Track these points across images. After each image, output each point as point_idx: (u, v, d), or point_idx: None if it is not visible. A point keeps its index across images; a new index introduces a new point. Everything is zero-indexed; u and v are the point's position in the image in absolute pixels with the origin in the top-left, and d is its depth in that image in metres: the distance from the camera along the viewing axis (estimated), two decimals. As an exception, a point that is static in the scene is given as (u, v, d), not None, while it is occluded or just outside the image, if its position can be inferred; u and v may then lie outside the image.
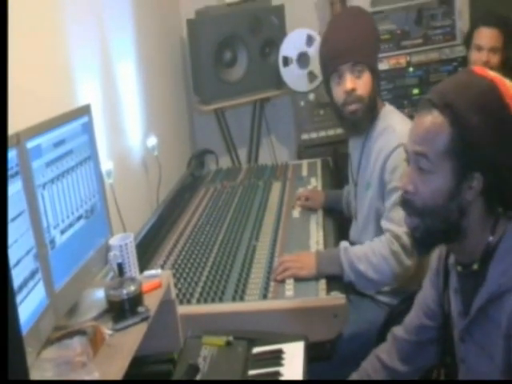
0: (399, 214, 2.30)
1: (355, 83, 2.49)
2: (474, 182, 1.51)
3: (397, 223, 2.35)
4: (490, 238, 1.56)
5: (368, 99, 2.51)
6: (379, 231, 2.48)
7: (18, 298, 1.38)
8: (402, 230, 2.31)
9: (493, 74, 1.55)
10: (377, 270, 2.35)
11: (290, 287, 2.27)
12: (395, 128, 2.48)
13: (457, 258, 1.68)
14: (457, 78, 1.63)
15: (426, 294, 1.87)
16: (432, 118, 1.52)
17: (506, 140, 1.50)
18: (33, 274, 1.49)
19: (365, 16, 2.70)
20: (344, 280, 2.36)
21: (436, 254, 1.82)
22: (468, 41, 3.78)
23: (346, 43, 2.50)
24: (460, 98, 1.50)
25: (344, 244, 2.43)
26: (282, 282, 2.30)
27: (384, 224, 2.43)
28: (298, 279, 2.31)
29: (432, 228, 1.57)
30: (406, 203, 1.61)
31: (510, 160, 1.51)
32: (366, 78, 2.51)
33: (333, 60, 2.52)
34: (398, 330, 1.98)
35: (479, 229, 1.56)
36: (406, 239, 2.31)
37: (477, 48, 3.66)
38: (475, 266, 1.59)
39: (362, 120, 2.55)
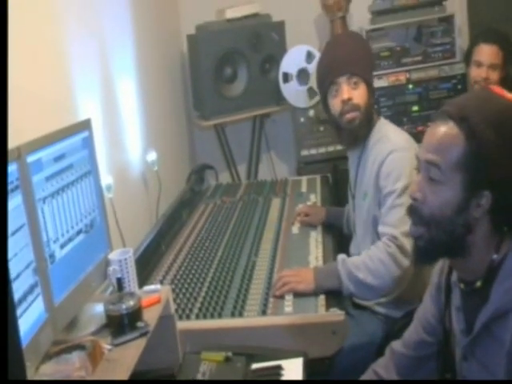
0: (395, 216, 2.37)
1: (351, 93, 2.57)
2: (483, 200, 1.50)
3: (392, 225, 2.38)
4: (494, 256, 1.55)
5: (364, 108, 2.59)
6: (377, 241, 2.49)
7: (17, 312, 1.38)
8: (398, 232, 2.35)
9: (511, 95, 1.56)
10: (376, 275, 2.35)
11: (289, 303, 2.26)
12: (389, 137, 2.55)
13: (459, 275, 1.66)
14: (475, 93, 1.64)
15: (426, 310, 1.86)
16: (447, 129, 1.52)
17: None
18: (32, 288, 1.48)
19: (360, 38, 2.88)
20: (343, 293, 2.37)
21: (437, 269, 1.81)
22: (468, 57, 3.79)
23: (343, 57, 2.60)
24: (478, 113, 1.50)
25: (341, 256, 2.44)
26: (281, 297, 2.30)
27: (380, 229, 2.46)
28: (296, 294, 2.31)
29: (436, 239, 1.56)
30: (413, 211, 1.61)
31: None
32: (362, 89, 2.59)
33: (330, 73, 2.61)
34: (396, 345, 1.97)
35: (484, 246, 1.55)
36: (402, 240, 2.33)
37: (476, 64, 3.67)
38: (478, 284, 1.58)
39: (359, 129, 2.61)
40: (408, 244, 2.27)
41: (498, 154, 1.47)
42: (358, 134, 2.62)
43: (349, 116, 2.58)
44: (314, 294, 2.32)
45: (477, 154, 1.48)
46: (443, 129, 1.53)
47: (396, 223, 2.37)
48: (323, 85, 2.66)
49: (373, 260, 2.36)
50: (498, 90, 1.59)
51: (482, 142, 1.47)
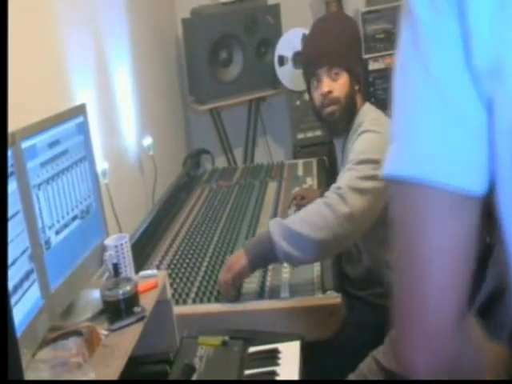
0: (346, 175, 2.25)
1: (331, 86, 2.55)
2: None
3: (341, 180, 2.26)
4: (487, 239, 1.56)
5: (345, 100, 2.56)
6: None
7: (13, 299, 1.38)
8: (344, 184, 2.20)
9: None
10: (311, 225, 2.12)
11: (285, 287, 2.27)
12: (365, 123, 2.50)
13: None
14: None
15: None
16: None
17: None
18: (28, 275, 1.48)
19: (344, 21, 2.78)
20: (278, 255, 2.13)
21: None
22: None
23: (322, 47, 2.57)
24: None
25: (274, 219, 2.29)
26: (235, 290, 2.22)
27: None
28: (241, 278, 2.21)
29: None
30: None
31: None
32: (343, 80, 2.56)
33: (310, 65, 2.60)
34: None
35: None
36: (345, 190, 2.17)
37: None
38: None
39: (340, 121, 2.59)
40: (352, 197, 2.14)
41: None
42: (337, 126, 2.62)
43: (329, 109, 2.57)
44: (253, 266, 2.18)
45: None
46: None
47: (345, 180, 2.23)
48: (305, 76, 2.67)
49: (307, 211, 2.22)
50: None
51: None
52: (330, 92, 2.55)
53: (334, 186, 2.27)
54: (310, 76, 2.62)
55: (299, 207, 3.01)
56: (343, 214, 2.13)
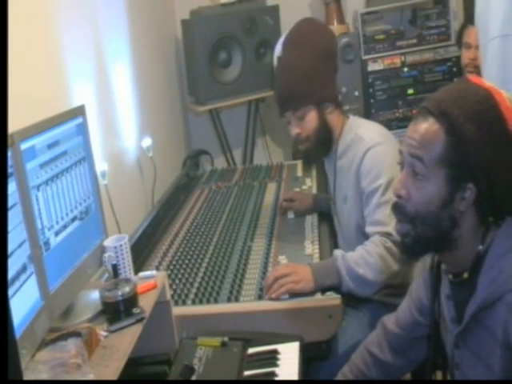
0: (383, 213, 2.31)
1: (299, 126, 2.57)
2: (467, 193, 1.50)
3: (382, 223, 2.32)
4: (480, 247, 1.54)
5: (315, 136, 2.57)
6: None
7: (11, 301, 1.38)
8: (390, 228, 2.27)
9: (489, 84, 1.55)
10: (375, 270, 2.27)
11: (285, 288, 2.27)
12: (362, 136, 2.49)
13: (447, 267, 1.67)
14: (453, 86, 1.61)
15: (419, 290, 1.86)
16: (428, 125, 1.52)
17: (500, 151, 1.49)
18: (27, 277, 1.48)
19: (308, 36, 2.65)
20: (343, 289, 2.27)
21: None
22: (459, 40, 3.80)
23: (283, 91, 2.59)
24: (456, 107, 1.49)
25: (340, 252, 2.35)
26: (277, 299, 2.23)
27: (369, 229, 2.39)
28: (294, 294, 2.22)
29: (422, 235, 1.56)
30: (397, 208, 1.60)
31: (504, 172, 1.50)
32: (311, 116, 2.55)
33: (278, 107, 2.62)
34: (389, 323, 1.97)
35: (470, 239, 1.55)
36: (396, 235, 2.25)
37: (466, 46, 3.68)
38: (465, 275, 1.58)
39: (315, 153, 2.64)
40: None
41: (478, 146, 1.47)
42: (314, 157, 2.70)
43: (302, 147, 2.62)
44: (311, 293, 2.24)
45: (458, 147, 1.48)
46: (424, 125, 1.53)
47: (386, 220, 2.30)
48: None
49: (372, 255, 2.28)
50: (476, 79, 1.58)
51: (462, 136, 1.47)
52: (298, 134, 2.57)
53: (378, 228, 2.35)
54: (281, 116, 2.63)
55: (289, 210, 2.99)
56: (400, 261, 2.29)
